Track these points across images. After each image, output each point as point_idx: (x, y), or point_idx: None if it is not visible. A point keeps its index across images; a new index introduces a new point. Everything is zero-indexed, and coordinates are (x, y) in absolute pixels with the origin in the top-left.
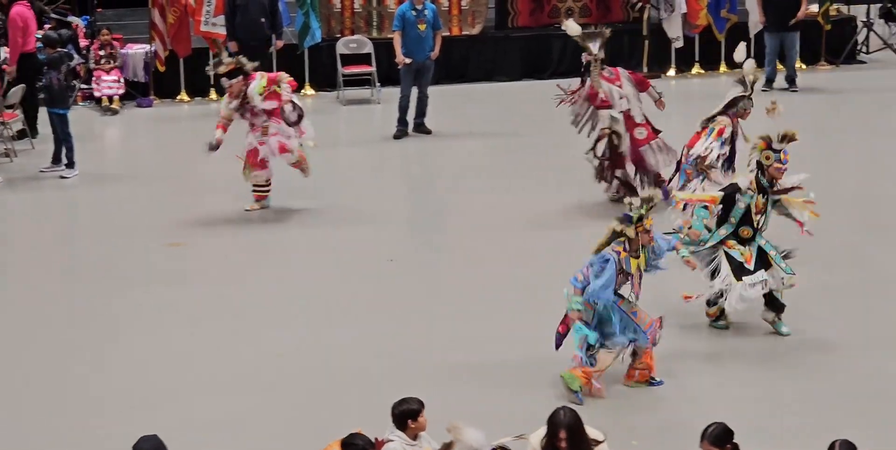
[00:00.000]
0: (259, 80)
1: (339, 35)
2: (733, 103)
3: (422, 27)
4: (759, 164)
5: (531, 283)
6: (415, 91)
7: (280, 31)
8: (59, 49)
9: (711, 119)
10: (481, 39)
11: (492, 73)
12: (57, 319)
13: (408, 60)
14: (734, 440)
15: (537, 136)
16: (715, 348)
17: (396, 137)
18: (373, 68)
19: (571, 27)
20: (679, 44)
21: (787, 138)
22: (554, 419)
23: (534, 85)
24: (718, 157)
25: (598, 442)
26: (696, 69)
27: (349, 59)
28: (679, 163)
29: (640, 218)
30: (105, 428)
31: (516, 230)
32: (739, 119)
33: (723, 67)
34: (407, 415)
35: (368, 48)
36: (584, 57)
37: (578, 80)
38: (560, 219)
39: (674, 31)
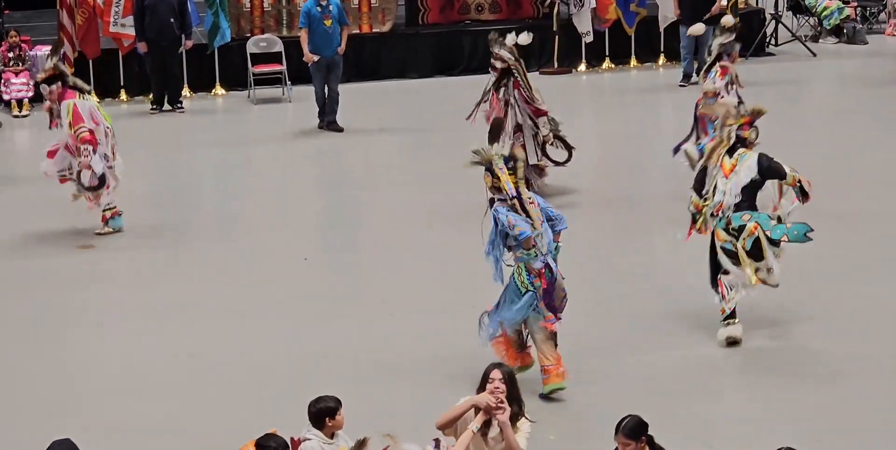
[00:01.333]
0: (66, 110)
1: (249, 34)
2: (723, 50)
3: (328, 23)
4: (739, 138)
5: (447, 279)
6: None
7: (190, 31)
8: None
9: (709, 69)
10: (392, 37)
11: (403, 71)
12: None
13: (315, 58)
14: (648, 433)
15: (449, 132)
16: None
17: (320, 127)
18: (283, 67)
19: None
20: (589, 38)
21: (757, 114)
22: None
23: (445, 81)
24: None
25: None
26: (606, 64)
27: (259, 58)
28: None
29: (490, 162)
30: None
31: (429, 227)
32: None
33: (633, 62)
34: (324, 413)
35: (279, 47)
36: None
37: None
38: (472, 215)
39: (584, 25)
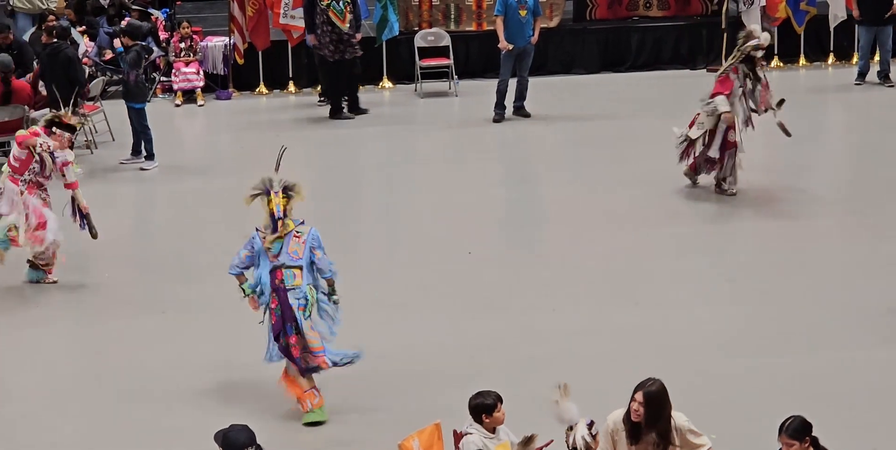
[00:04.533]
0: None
1: (417, 28)
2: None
3: (522, 13)
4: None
5: (612, 277)
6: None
7: (358, 24)
8: (139, 42)
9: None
10: (559, 32)
11: (570, 66)
12: (128, 311)
13: (510, 46)
14: (812, 434)
15: (615, 127)
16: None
17: (495, 120)
18: (450, 61)
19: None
20: None
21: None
22: (639, 384)
23: (611, 78)
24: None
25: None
26: (775, 62)
27: (427, 52)
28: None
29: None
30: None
31: (597, 223)
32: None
33: (802, 60)
34: (482, 409)
35: (446, 41)
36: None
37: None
38: (643, 213)
39: (753, 24)
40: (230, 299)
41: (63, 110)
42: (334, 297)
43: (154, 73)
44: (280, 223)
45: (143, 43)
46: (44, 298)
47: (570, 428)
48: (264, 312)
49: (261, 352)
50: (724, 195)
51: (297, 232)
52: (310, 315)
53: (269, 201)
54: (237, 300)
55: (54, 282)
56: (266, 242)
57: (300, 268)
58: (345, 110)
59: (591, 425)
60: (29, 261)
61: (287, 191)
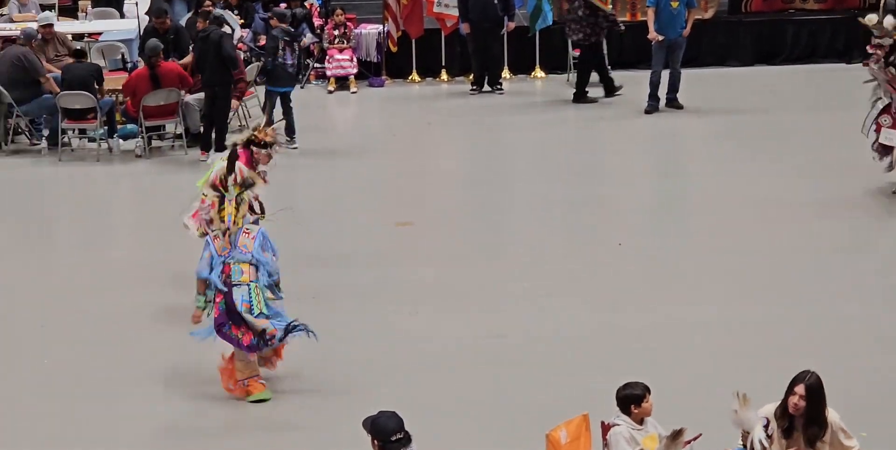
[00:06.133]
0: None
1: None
2: None
3: (674, 4)
4: None
5: (756, 271)
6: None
7: (512, 13)
8: (281, 25)
9: None
10: (714, 24)
11: (723, 58)
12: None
13: (660, 37)
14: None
15: (766, 121)
16: None
17: (647, 112)
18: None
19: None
20: None
21: None
22: (797, 376)
23: (765, 71)
24: None
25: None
26: None
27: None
28: None
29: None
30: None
31: (751, 219)
32: None
33: None
34: (630, 400)
35: None
36: None
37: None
38: (793, 209)
39: None
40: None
41: (258, 128)
42: (279, 293)
43: (308, 60)
44: (227, 233)
45: (287, 27)
46: None
47: (747, 432)
48: (206, 305)
49: None
50: None
51: (247, 228)
52: (259, 313)
53: (222, 209)
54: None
55: None
56: (218, 243)
57: (248, 263)
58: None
59: (766, 425)
60: None
61: (239, 197)
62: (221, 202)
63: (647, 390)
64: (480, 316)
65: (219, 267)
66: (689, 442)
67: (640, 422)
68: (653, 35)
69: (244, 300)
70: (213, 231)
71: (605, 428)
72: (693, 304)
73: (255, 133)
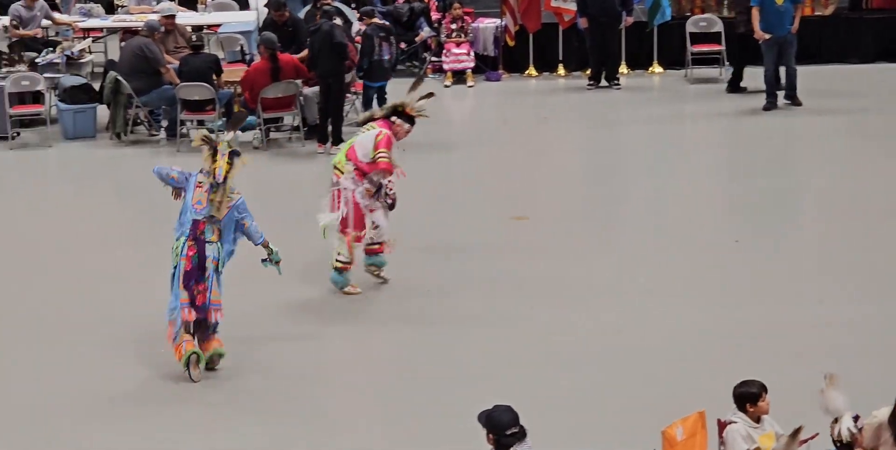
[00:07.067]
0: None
1: (689, 13)
2: None
3: (779, 2)
4: None
5: (874, 269)
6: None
7: (631, 8)
8: (374, 21)
9: None
10: (834, 20)
11: (843, 56)
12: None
13: (766, 36)
14: None
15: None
16: None
17: (766, 108)
18: (722, 47)
19: None
20: None
21: None
22: None
23: (887, 68)
24: None
25: None
26: None
27: (698, 38)
28: None
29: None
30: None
31: (871, 218)
32: None
33: None
34: (745, 398)
35: (718, 27)
36: None
37: None
38: None
39: None
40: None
41: (408, 99)
42: (274, 257)
43: (424, 54)
44: (221, 188)
45: (379, 22)
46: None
47: (836, 420)
48: (176, 260)
49: None
50: None
51: (230, 197)
52: (220, 272)
53: (214, 161)
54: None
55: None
56: (197, 193)
57: (219, 228)
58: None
59: (856, 418)
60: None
61: (233, 156)
62: (214, 155)
63: (763, 388)
64: (597, 311)
65: (187, 215)
66: (805, 441)
67: (757, 420)
68: (759, 34)
69: (214, 258)
70: (199, 180)
71: (722, 426)
72: (812, 302)
73: (403, 103)
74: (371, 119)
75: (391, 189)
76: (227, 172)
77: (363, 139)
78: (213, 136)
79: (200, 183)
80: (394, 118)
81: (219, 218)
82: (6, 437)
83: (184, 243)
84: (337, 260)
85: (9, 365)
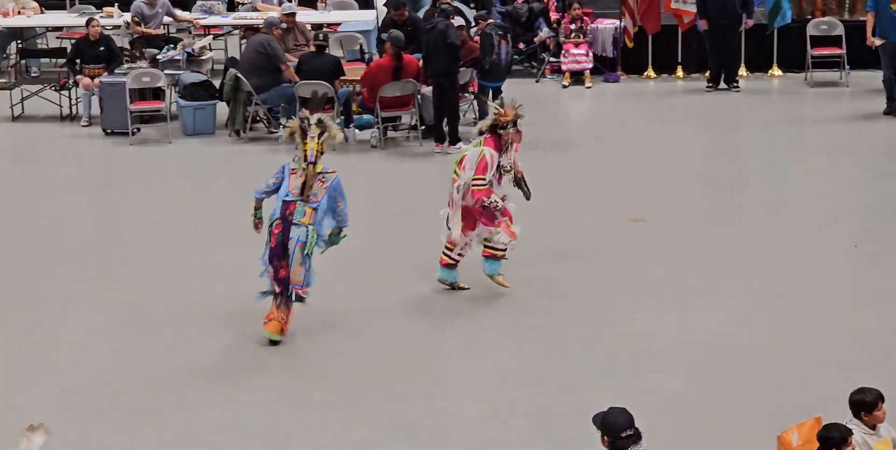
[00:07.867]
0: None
1: (809, 16)
2: None
3: (894, 6)
4: None
5: None
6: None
7: (751, 11)
8: (491, 21)
9: None
10: None
11: None
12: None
13: (879, 41)
14: None
15: None
16: None
17: (886, 113)
18: (843, 51)
19: None
20: None
21: None
22: None
23: None
24: None
25: None
26: None
27: (819, 41)
28: None
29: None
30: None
31: None
32: None
33: None
34: (861, 406)
35: (839, 30)
36: None
37: None
38: None
39: None
40: None
41: (495, 111)
42: (343, 235)
43: (543, 54)
44: (311, 168)
45: (495, 22)
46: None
47: None
48: (267, 237)
49: None
50: None
51: (323, 177)
52: (307, 254)
53: (305, 143)
54: None
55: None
56: (293, 180)
57: (314, 209)
58: None
59: None
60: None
61: (322, 135)
62: (304, 136)
63: (880, 397)
64: (713, 314)
65: (282, 197)
66: None
67: (873, 428)
68: (871, 40)
69: (300, 240)
70: (292, 167)
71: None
72: None
73: (496, 116)
74: (481, 133)
75: (496, 205)
76: (318, 151)
77: (472, 155)
78: (296, 121)
79: (294, 169)
80: (499, 131)
81: (315, 198)
82: (119, 412)
83: (273, 223)
84: (492, 248)
85: (122, 348)
